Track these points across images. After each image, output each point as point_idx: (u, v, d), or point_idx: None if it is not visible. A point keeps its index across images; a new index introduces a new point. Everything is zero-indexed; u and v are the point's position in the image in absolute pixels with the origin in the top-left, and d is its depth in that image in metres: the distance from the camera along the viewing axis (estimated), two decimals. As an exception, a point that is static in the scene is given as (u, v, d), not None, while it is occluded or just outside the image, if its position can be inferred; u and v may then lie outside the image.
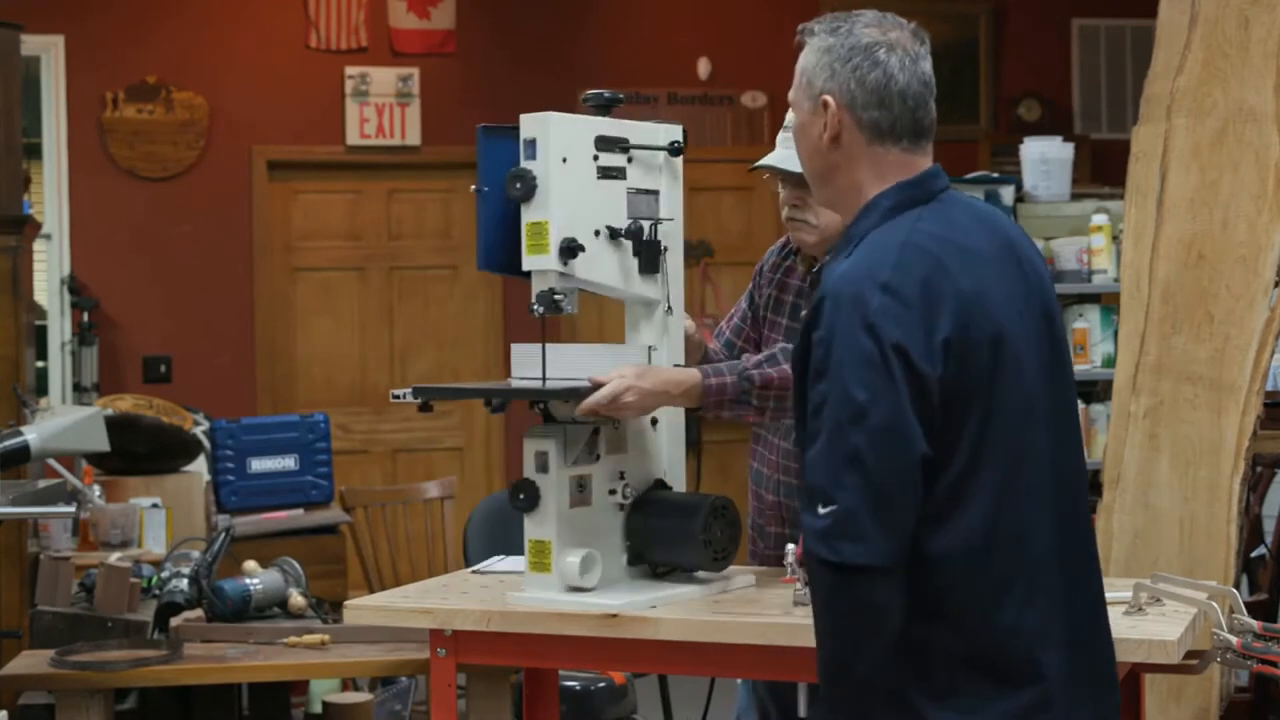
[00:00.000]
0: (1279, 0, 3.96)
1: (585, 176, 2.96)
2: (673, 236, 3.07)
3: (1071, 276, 5.70)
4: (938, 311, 2.19)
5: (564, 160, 2.92)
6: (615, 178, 2.99)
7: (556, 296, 2.93)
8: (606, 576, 2.98)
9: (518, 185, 2.90)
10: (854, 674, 2.17)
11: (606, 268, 2.99)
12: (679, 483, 3.09)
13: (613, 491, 3.01)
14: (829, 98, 2.35)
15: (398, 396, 3.02)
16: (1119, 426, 4.03)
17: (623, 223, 3.00)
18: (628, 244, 3.00)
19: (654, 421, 3.06)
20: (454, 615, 2.98)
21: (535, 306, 2.94)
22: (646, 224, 3.02)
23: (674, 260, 3.07)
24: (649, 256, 3.02)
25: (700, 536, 2.94)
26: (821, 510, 2.14)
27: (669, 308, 3.05)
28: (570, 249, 2.90)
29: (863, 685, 2.17)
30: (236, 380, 7.82)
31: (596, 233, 2.96)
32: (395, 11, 7.98)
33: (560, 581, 2.95)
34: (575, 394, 2.90)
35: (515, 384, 3.09)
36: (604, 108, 3.05)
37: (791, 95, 2.44)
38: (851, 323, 2.17)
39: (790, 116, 3.16)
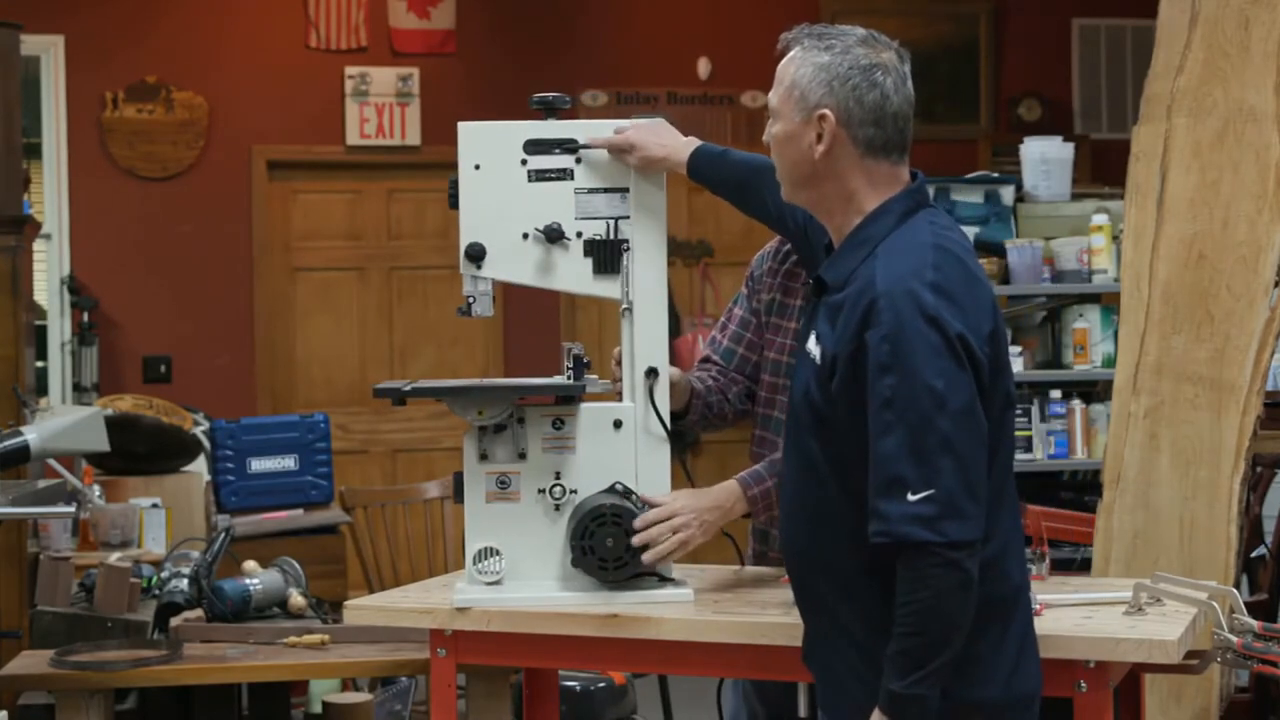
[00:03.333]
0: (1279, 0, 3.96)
1: (508, 180, 3.03)
2: (643, 234, 3.05)
3: (1071, 276, 5.69)
4: (979, 307, 2.41)
5: (476, 167, 3.03)
6: (556, 179, 3.03)
7: (469, 299, 3.05)
8: (537, 574, 3.00)
9: (449, 194, 3.05)
10: (954, 643, 2.35)
11: (524, 269, 3.04)
12: (659, 484, 3.04)
13: (542, 491, 3.02)
14: (827, 112, 2.50)
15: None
16: (1119, 426, 4.03)
17: (572, 224, 3.04)
18: (576, 244, 3.04)
19: (618, 424, 3.06)
20: (454, 615, 2.98)
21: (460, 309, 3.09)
22: (606, 223, 3.04)
23: (644, 259, 3.06)
24: (603, 256, 3.04)
25: (576, 543, 2.95)
26: (913, 497, 2.31)
27: (627, 307, 3.05)
28: (472, 253, 3.01)
29: (955, 653, 2.35)
30: (236, 380, 7.82)
31: (525, 235, 3.03)
32: (395, 11, 7.98)
33: (468, 573, 3.01)
34: (454, 392, 3.03)
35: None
36: (549, 110, 3.07)
37: (775, 104, 2.57)
38: (914, 317, 2.35)
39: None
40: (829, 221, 2.58)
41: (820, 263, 2.67)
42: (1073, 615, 2.80)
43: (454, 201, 3.05)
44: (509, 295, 7.64)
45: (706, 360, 3.41)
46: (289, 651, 3.79)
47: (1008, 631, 2.46)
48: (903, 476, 2.32)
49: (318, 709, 4.63)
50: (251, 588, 3.96)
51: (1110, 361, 5.06)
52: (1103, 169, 7.90)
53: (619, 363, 3.09)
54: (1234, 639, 2.81)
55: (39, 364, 7.29)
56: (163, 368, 7.80)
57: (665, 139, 3.05)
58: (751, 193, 3.03)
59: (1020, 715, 2.47)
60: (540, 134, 3.05)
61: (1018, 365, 5.56)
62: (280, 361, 8.01)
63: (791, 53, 2.55)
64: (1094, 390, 5.84)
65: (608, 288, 3.06)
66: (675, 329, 7.48)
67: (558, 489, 3.02)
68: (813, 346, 2.49)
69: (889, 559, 2.35)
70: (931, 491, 2.31)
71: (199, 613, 3.94)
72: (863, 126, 2.49)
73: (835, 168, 2.51)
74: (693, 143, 3.06)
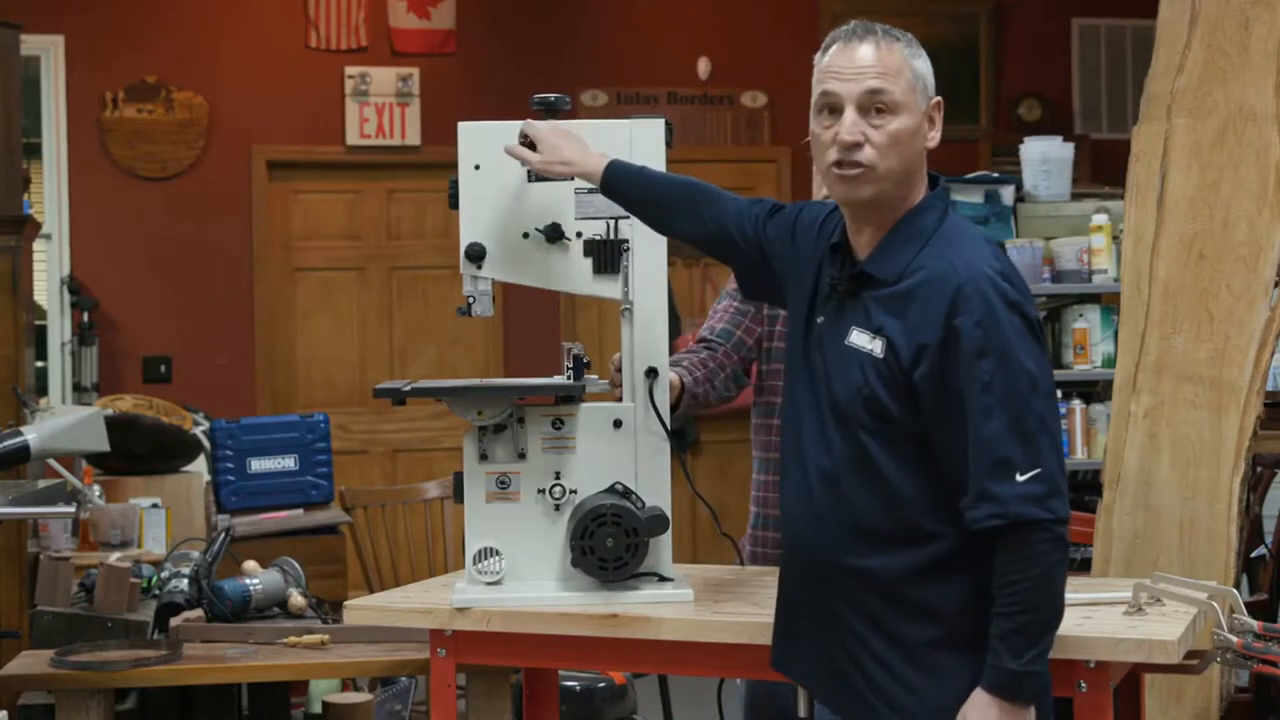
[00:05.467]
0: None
1: (509, 181, 3.03)
2: (643, 234, 3.04)
3: (1071, 276, 5.69)
4: (1032, 297, 2.53)
5: (476, 167, 3.03)
6: (556, 179, 3.02)
7: (469, 299, 3.05)
8: (536, 574, 3.01)
9: (449, 194, 3.05)
10: (1059, 619, 2.45)
11: (524, 269, 3.05)
12: (659, 484, 3.05)
13: (542, 491, 3.02)
14: (941, 100, 2.59)
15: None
16: (1119, 426, 4.03)
17: (572, 224, 3.03)
18: (576, 244, 3.04)
19: (618, 423, 3.06)
20: (454, 615, 2.98)
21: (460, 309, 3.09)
22: (606, 223, 3.04)
23: (644, 259, 3.06)
24: (603, 256, 3.04)
25: (576, 543, 2.95)
26: (1021, 477, 2.37)
27: (627, 307, 3.05)
28: (472, 253, 3.02)
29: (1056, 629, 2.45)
30: (236, 380, 7.82)
31: (525, 235, 3.03)
32: (395, 11, 7.98)
33: (468, 573, 3.02)
34: (454, 392, 3.04)
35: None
36: (549, 110, 3.06)
37: (899, 96, 2.53)
38: (1000, 303, 2.42)
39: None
40: (875, 217, 2.57)
41: (759, 276, 2.78)
42: (1073, 615, 2.79)
43: (454, 201, 3.05)
44: (509, 295, 7.64)
45: (700, 341, 3.41)
46: (289, 651, 3.79)
47: None
48: (1010, 458, 2.38)
49: (318, 709, 4.62)
50: (251, 588, 3.96)
51: (1110, 361, 5.05)
52: (1103, 169, 7.90)
53: (619, 369, 3.09)
54: (1234, 639, 2.81)
55: (39, 364, 7.29)
56: (163, 368, 7.80)
57: (567, 152, 2.94)
58: (682, 210, 2.90)
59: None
60: None
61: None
62: (280, 361, 8.00)
63: (887, 45, 2.54)
64: (1094, 390, 5.83)
65: (608, 288, 3.06)
66: (675, 329, 7.47)
67: (558, 489, 3.03)
68: (865, 341, 2.50)
69: (988, 542, 2.41)
70: (1039, 470, 2.39)
71: (199, 613, 3.94)
72: None
73: (923, 159, 2.59)
74: (605, 157, 2.94)
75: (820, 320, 2.59)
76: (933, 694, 2.46)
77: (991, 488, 2.39)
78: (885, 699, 2.49)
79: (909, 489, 2.47)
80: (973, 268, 2.45)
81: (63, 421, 4.10)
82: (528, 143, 2.96)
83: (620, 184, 2.92)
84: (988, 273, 2.45)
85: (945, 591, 2.46)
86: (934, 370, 2.43)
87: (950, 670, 2.46)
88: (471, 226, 3.04)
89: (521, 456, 3.03)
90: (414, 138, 7.98)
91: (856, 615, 2.52)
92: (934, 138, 2.58)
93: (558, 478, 3.03)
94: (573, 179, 3.00)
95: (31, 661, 3.76)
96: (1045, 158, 6.00)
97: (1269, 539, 4.99)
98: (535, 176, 3.03)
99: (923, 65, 2.57)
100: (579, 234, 3.05)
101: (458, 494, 3.05)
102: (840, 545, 2.52)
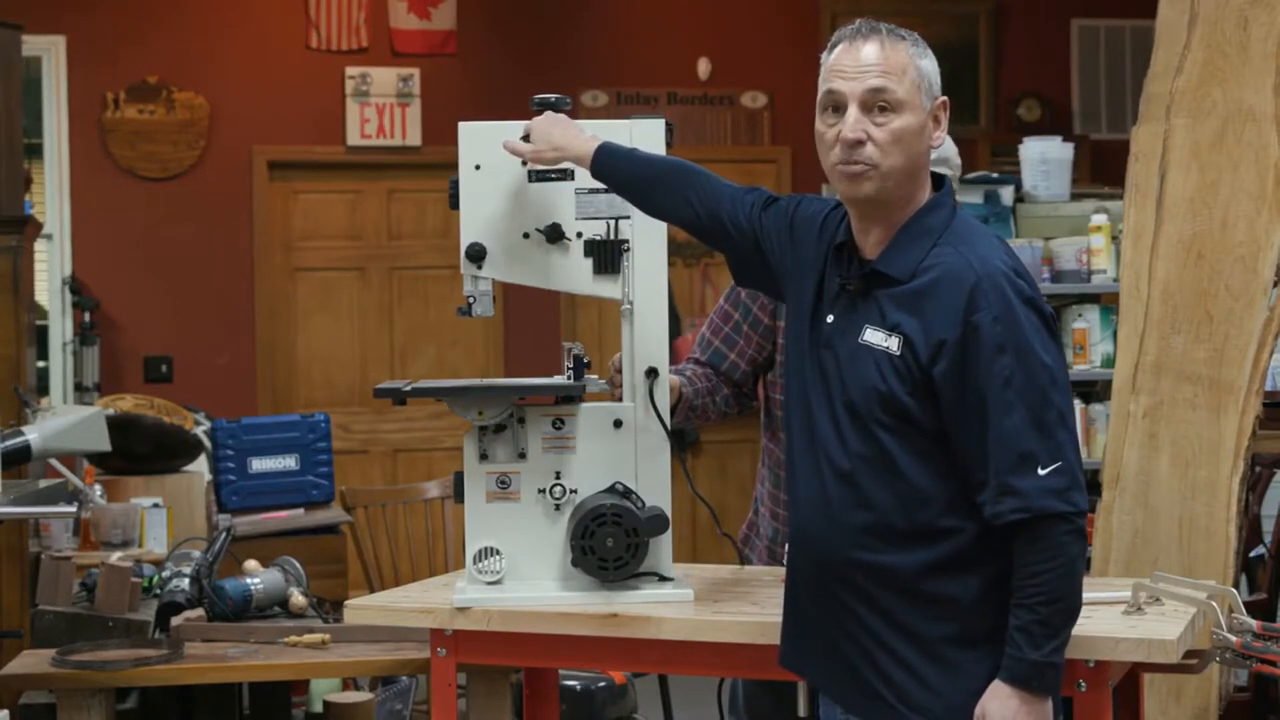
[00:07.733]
0: (1279, 0, 3.96)
1: (510, 181, 3.04)
2: (643, 234, 3.05)
3: (1071, 276, 5.69)
4: (1041, 293, 2.54)
5: (476, 167, 3.04)
6: (556, 179, 3.03)
7: (469, 299, 3.05)
8: (537, 574, 3.02)
9: (449, 194, 3.06)
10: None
11: (524, 269, 3.05)
12: (658, 485, 3.04)
13: (542, 491, 3.03)
14: (946, 99, 2.60)
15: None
16: (1118, 426, 4.03)
17: (572, 224, 3.04)
18: (577, 244, 3.04)
19: (618, 423, 3.06)
20: (454, 615, 2.99)
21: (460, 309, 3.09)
22: (606, 223, 3.04)
23: (645, 259, 3.06)
24: (603, 256, 3.05)
25: (576, 543, 2.96)
26: (1042, 471, 2.42)
27: (627, 307, 3.05)
28: (472, 253, 3.02)
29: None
30: (237, 380, 7.83)
31: (525, 235, 3.04)
32: (396, 12, 7.98)
33: (468, 572, 3.03)
34: (454, 393, 3.05)
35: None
36: (549, 110, 3.06)
37: (903, 94, 2.55)
38: (1017, 299, 2.45)
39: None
40: (881, 216, 2.58)
41: (751, 264, 2.78)
42: (1072, 615, 2.80)
43: (454, 201, 3.06)
44: (509, 295, 7.64)
45: (692, 359, 3.41)
46: (290, 651, 3.80)
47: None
48: (1032, 452, 2.41)
49: (318, 708, 4.63)
50: (252, 587, 3.97)
51: (1110, 361, 5.05)
52: (1102, 169, 7.90)
53: (619, 370, 3.09)
54: (1233, 638, 2.81)
55: (40, 364, 7.30)
56: (164, 367, 7.80)
57: (558, 138, 2.94)
58: (671, 192, 2.87)
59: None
60: None
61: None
62: (280, 361, 8.01)
63: (891, 44, 2.55)
64: (1093, 390, 5.83)
65: (608, 288, 3.06)
66: (675, 329, 7.48)
67: (558, 489, 3.03)
68: (880, 339, 2.51)
69: (1003, 537, 2.43)
70: (1059, 464, 2.42)
71: (200, 612, 3.95)
72: None
73: (929, 156, 2.60)
74: (596, 139, 2.94)
75: (830, 320, 2.60)
76: (948, 690, 2.47)
77: (1014, 482, 2.41)
78: (901, 696, 2.50)
79: (926, 485, 2.48)
80: (987, 264, 2.47)
81: (64, 421, 4.12)
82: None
83: (610, 166, 2.91)
84: (1002, 269, 2.47)
85: (960, 587, 2.48)
86: (954, 366, 2.45)
87: (965, 666, 2.48)
88: (472, 226, 3.05)
89: (522, 456, 3.04)
90: (414, 138, 7.99)
91: (871, 612, 2.53)
92: (939, 137, 2.58)
93: (558, 477, 3.03)
94: (573, 176, 3.01)
95: (33, 661, 3.77)
96: (1045, 158, 6.00)
97: (1268, 538, 4.99)
98: (536, 176, 3.03)
99: (928, 65, 2.57)
100: (579, 234, 3.05)
101: (458, 494, 3.06)
102: (855, 542, 2.53)
